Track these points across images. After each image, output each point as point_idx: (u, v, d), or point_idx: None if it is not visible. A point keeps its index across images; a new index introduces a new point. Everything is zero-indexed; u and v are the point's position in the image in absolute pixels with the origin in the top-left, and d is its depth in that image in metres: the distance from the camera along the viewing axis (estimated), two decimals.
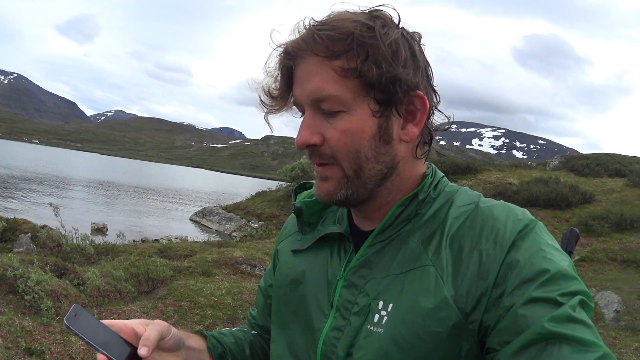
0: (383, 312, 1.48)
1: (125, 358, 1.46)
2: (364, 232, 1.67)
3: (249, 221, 37.69)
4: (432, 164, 1.70)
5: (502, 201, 1.57)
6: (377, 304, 1.50)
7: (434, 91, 1.57)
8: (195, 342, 1.81)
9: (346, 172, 1.52)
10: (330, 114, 1.48)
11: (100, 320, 1.51)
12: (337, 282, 1.63)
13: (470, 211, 1.53)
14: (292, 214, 1.94)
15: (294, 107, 1.61)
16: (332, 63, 1.42)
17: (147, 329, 1.53)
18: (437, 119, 1.63)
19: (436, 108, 1.59)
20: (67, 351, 7.60)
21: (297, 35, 1.49)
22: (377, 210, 1.63)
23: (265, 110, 1.65)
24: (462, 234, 1.48)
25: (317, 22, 1.48)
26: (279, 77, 1.57)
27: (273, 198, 41.67)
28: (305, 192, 1.92)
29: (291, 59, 1.51)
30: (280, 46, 1.52)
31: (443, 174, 1.69)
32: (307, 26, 1.48)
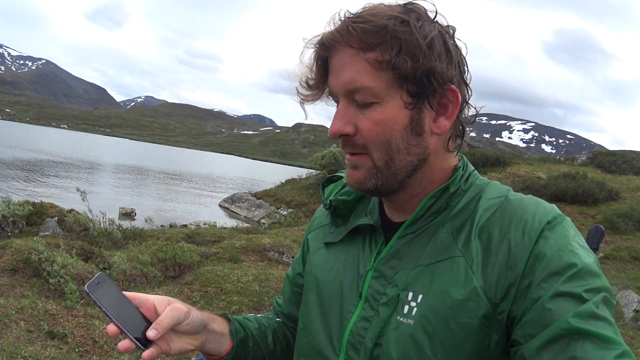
0: (413, 304, 1.50)
1: (140, 333, 1.48)
2: (395, 224, 1.70)
3: (278, 208, 37.95)
4: (464, 157, 1.72)
5: (531, 195, 1.58)
6: (407, 295, 1.52)
7: (467, 85, 1.57)
8: (219, 325, 1.81)
9: (376, 163, 1.54)
10: (364, 105, 1.49)
11: (124, 292, 1.54)
12: (367, 272, 1.65)
13: (500, 203, 1.55)
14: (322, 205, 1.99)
15: (329, 96, 1.63)
16: (366, 55, 1.44)
17: (164, 311, 1.55)
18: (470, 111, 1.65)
19: (468, 102, 1.59)
20: (90, 335, 7.56)
21: (333, 27, 1.51)
22: (408, 201, 1.65)
23: (300, 99, 1.67)
24: (491, 224, 1.50)
25: (352, 14, 1.49)
26: (314, 68, 1.60)
27: (303, 186, 41.97)
28: (333, 185, 1.97)
29: (326, 50, 1.53)
30: (316, 37, 1.55)
31: (474, 168, 1.71)
32: (343, 18, 1.50)
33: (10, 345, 6.51)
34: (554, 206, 1.52)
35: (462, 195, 1.59)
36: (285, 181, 46.05)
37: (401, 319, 1.50)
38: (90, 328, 7.73)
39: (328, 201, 1.88)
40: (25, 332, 7.13)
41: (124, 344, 1.45)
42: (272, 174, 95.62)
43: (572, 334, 1.24)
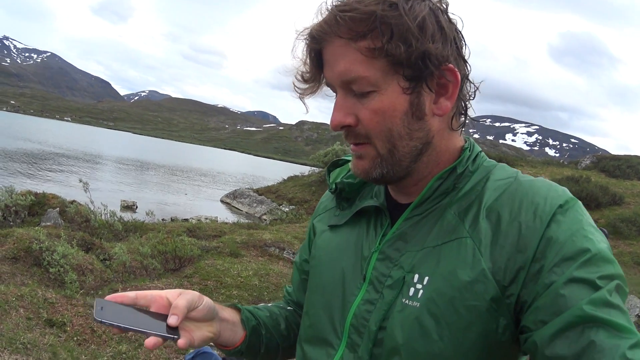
0: (419, 286, 1.46)
1: (164, 328, 1.47)
2: (401, 206, 1.66)
3: (279, 205, 38.05)
4: (470, 138, 1.67)
5: (542, 178, 1.54)
6: (412, 277, 1.49)
7: (465, 61, 1.53)
8: (229, 314, 1.80)
9: (380, 152, 1.51)
10: (362, 94, 1.46)
11: (138, 292, 1.54)
12: (372, 255, 1.62)
13: (510, 184, 1.51)
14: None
15: (327, 88, 1.59)
16: (358, 44, 1.40)
17: (177, 298, 1.55)
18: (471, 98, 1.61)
19: (468, 78, 1.55)
20: (88, 324, 7.59)
21: (320, 18, 1.48)
22: (415, 185, 1.61)
23: (297, 94, 1.64)
24: (500, 205, 1.46)
25: (339, 2, 1.45)
26: (307, 61, 1.56)
27: (305, 183, 42.20)
28: (338, 170, 1.92)
29: (317, 43, 1.50)
30: (305, 31, 1.52)
31: (480, 149, 1.66)
32: (330, 8, 1.46)
33: (10, 332, 6.53)
34: (565, 189, 1.48)
35: (469, 176, 1.56)
36: (288, 178, 46.07)
37: (406, 301, 1.47)
38: (89, 317, 7.75)
39: (334, 184, 1.85)
40: (25, 319, 7.16)
41: (151, 340, 1.44)
42: (274, 170, 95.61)
43: (586, 322, 1.22)
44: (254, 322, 1.88)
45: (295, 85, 1.62)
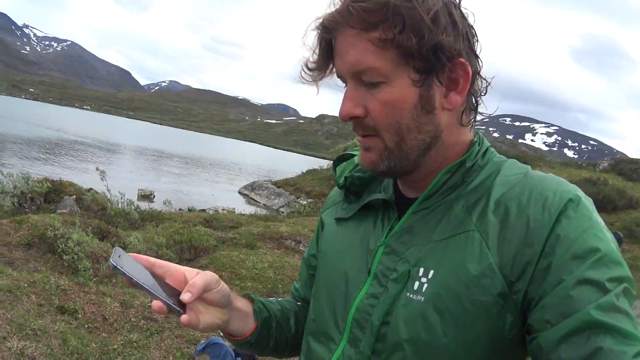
0: (423, 279, 1.45)
1: (172, 300, 1.45)
2: (409, 200, 1.64)
3: (297, 198, 38.37)
4: (479, 133, 1.66)
5: (552, 174, 1.52)
6: (417, 271, 1.47)
7: (477, 56, 1.52)
8: (242, 304, 1.78)
9: (387, 144, 1.50)
10: (372, 85, 1.45)
11: (156, 259, 1.54)
12: (378, 248, 1.60)
13: (519, 179, 1.49)
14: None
15: (337, 77, 1.57)
16: (369, 35, 1.39)
17: (196, 276, 1.51)
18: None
19: (479, 74, 1.53)
20: (100, 312, 7.58)
21: (333, 8, 1.46)
22: (423, 180, 1.59)
23: (303, 81, 1.62)
24: (508, 198, 1.44)
25: None
26: (317, 50, 1.55)
27: (323, 176, 42.24)
28: (344, 164, 1.90)
29: (329, 33, 1.49)
30: (317, 20, 1.50)
31: (490, 144, 1.65)
32: None
33: (20, 318, 6.54)
34: (575, 186, 1.45)
35: (478, 171, 1.54)
36: (307, 171, 46.33)
37: (411, 295, 1.45)
38: (102, 305, 7.75)
39: (344, 177, 1.82)
40: (36, 305, 7.16)
41: (157, 304, 1.42)
42: (293, 163, 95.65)
43: (592, 327, 1.19)
44: (266, 314, 1.87)
45: (302, 72, 1.60)
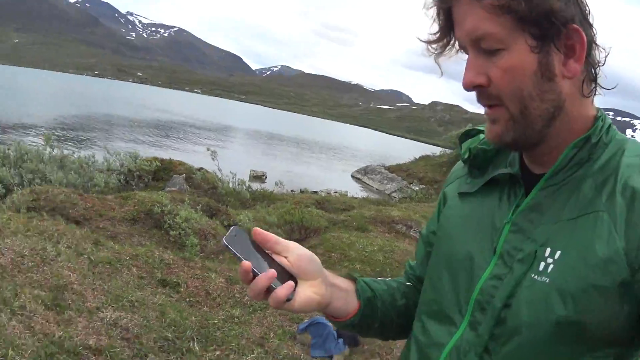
0: (550, 260, 1.40)
1: (278, 281, 1.44)
2: (535, 176, 1.58)
3: (410, 183, 38.71)
4: (600, 108, 1.58)
5: None
6: (544, 252, 1.42)
7: (591, 25, 1.44)
8: (343, 282, 1.72)
9: (512, 113, 1.45)
10: (491, 52, 1.42)
11: (276, 237, 1.53)
12: (504, 226, 1.54)
13: None
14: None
15: (459, 50, 1.54)
16: (482, 2, 1.37)
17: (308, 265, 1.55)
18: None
19: (596, 43, 1.45)
20: (204, 286, 7.68)
21: None
22: (549, 154, 1.53)
23: (429, 54, 1.58)
24: (635, 182, 1.37)
25: None
26: (437, 21, 1.53)
27: (436, 163, 42.59)
28: (470, 140, 1.81)
29: (445, 2, 1.47)
30: None
31: (611, 121, 1.57)
32: None
33: (117, 289, 6.61)
34: None
35: (603, 148, 1.47)
36: (419, 157, 46.74)
37: (536, 276, 1.39)
38: (206, 280, 7.81)
39: (467, 150, 1.75)
40: (137, 278, 7.28)
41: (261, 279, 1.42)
42: (406, 149, 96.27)
43: None
44: (370, 293, 1.79)
45: (427, 46, 1.57)
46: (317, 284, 1.56)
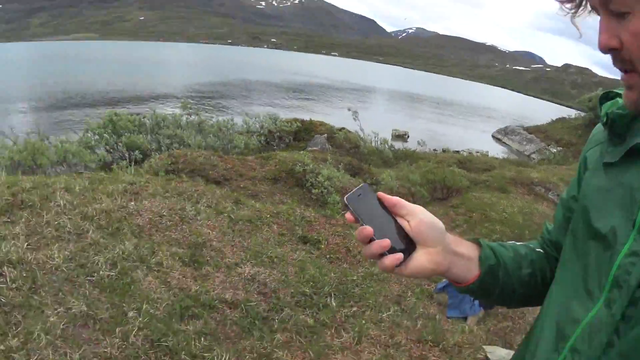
0: None
1: (396, 245, 1.44)
2: None
3: (548, 145, 38.77)
4: None
5: None
6: None
7: None
8: (467, 249, 1.69)
9: None
10: (620, 15, 1.33)
11: (400, 201, 1.51)
12: None
13: None
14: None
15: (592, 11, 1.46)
16: None
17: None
18: None
19: None
20: (344, 243, 7.73)
21: None
22: None
23: (563, 13, 1.51)
24: None
25: None
26: None
27: (572, 126, 42.71)
28: (610, 103, 1.67)
29: None
30: None
31: None
32: None
33: (257, 246, 6.73)
34: None
35: None
36: (556, 119, 46.74)
37: None
38: (347, 237, 7.87)
39: (605, 115, 1.60)
40: (277, 235, 7.39)
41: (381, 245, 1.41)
42: (542, 110, 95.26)
43: None
44: (493, 261, 1.72)
45: (560, 5, 1.49)
46: (434, 252, 1.54)
